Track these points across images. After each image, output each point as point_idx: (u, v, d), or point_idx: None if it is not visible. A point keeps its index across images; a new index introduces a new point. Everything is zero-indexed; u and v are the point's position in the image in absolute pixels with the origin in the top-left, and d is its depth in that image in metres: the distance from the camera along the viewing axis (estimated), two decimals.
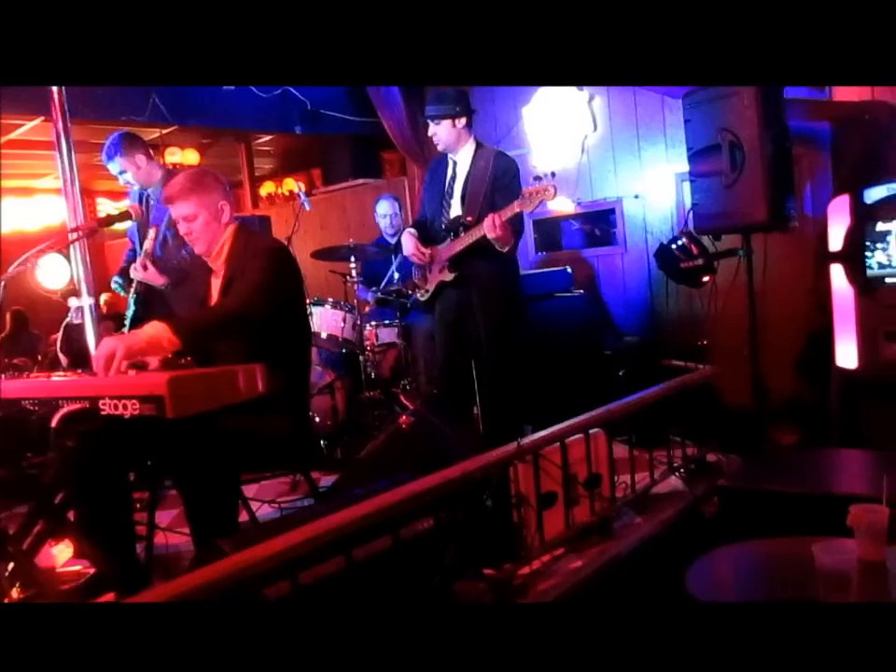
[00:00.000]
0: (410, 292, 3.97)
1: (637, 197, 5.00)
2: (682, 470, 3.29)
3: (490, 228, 3.23)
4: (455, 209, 3.56)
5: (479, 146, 3.59)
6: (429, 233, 3.66)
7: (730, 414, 3.64)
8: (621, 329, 4.98)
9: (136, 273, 3.38)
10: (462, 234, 3.46)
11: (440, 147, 3.61)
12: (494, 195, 3.42)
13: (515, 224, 3.35)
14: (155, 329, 2.22)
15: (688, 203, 3.80)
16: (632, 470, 3.04)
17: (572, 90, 5.17)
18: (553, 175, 3.18)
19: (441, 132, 3.52)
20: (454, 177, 3.60)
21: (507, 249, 3.36)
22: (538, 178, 3.19)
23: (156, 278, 3.41)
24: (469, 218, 3.44)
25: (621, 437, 3.08)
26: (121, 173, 3.59)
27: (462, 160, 3.58)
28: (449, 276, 3.55)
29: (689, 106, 3.41)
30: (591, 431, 2.79)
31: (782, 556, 2.05)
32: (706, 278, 3.61)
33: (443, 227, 3.58)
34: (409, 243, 3.61)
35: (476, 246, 3.40)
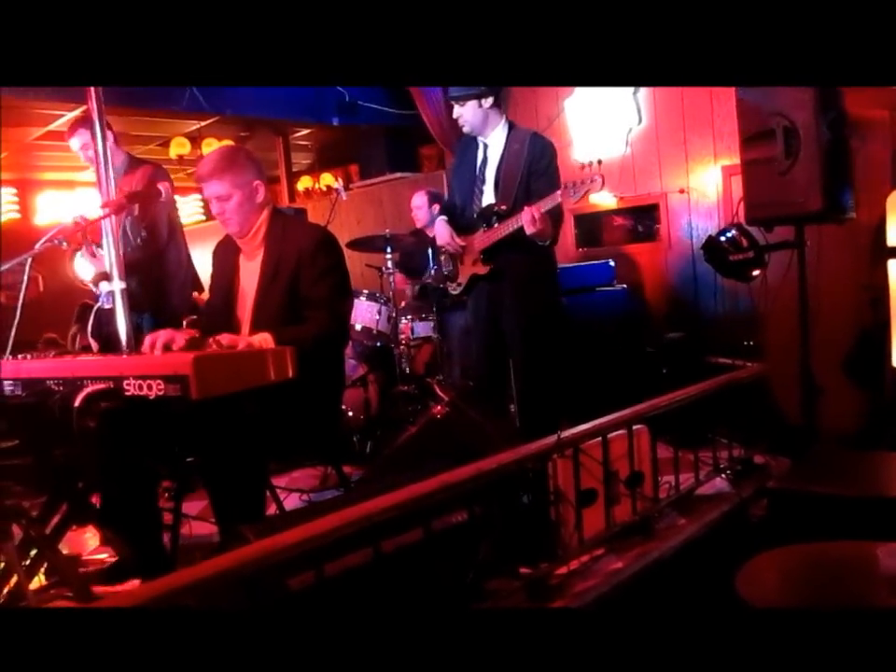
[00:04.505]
0: (441, 285, 3.75)
1: (682, 192, 4.84)
2: (729, 471, 3.15)
3: (529, 222, 3.00)
4: (488, 196, 3.34)
5: (512, 127, 3.35)
6: (460, 221, 3.45)
7: (779, 415, 3.49)
8: (664, 327, 4.83)
9: (82, 261, 3.34)
10: (496, 224, 3.25)
11: (466, 130, 3.38)
12: (529, 181, 3.21)
13: (555, 215, 3.11)
14: (262, 338, 2.29)
15: (736, 198, 3.66)
16: (676, 470, 2.91)
17: None
18: (600, 162, 2.99)
19: (466, 113, 3.29)
20: (485, 161, 3.38)
21: (548, 243, 3.18)
22: (583, 168, 2.98)
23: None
24: (502, 207, 3.23)
25: (664, 436, 2.94)
26: (84, 148, 3.49)
27: (493, 142, 3.36)
28: (483, 270, 3.34)
29: (741, 91, 3.26)
30: (634, 427, 2.67)
31: (839, 560, 1.95)
32: (755, 272, 3.45)
33: (475, 215, 3.37)
34: (444, 231, 3.42)
35: (511, 238, 3.18)
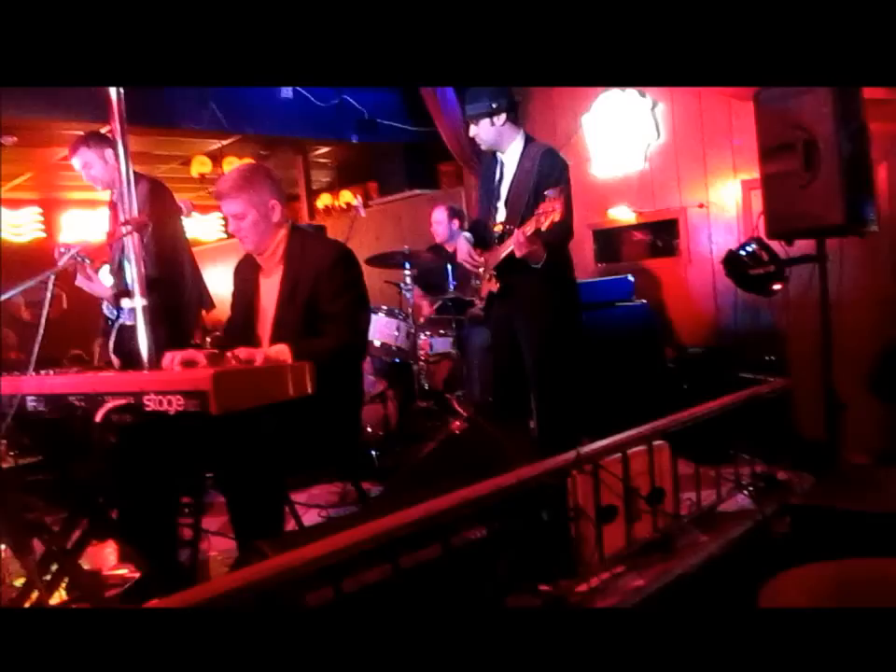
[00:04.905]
0: (470, 298, 3.79)
1: (701, 206, 4.82)
2: (751, 488, 3.11)
3: (516, 245, 3.01)
4: (502, 213, 3.35)
5: (528, 142, 3.34)
6: (482, 237, 3.45)
7: (801, 431, 3.45)
8: (684, 342, 4.80)
9: (81, 281, 3.35)
10: (497, 244, 3.27)
11: (484, 148, 3.41)
12: (537, 199, 3.13)
13: (553, 237, 3.06)
14: (279, 349, 2.31)
15: (756, 212, 3.63)
16: (697, 486, 2.89)
17: (634, 96, 5.04)
18: (560, 190, 2.94)
19: (481, 132, 3.30)
20: (501, 177, 3.39)
21: (540, 265, 3.11)
22: (544, 196, 2.97)
23: (102, 291, 3.41)
24: (509, 226, 3.23)
25: (685, 452, 2.91)
26: (85, 167, 3.49)
27: (509, 159, 3.36)
28: (495, 287, 3.35)
29: (760, 105, 3.25)
30: (654, 443, 2.65)
31: (864, 578, 1.90)
32: (776, 286, 3.42)
33: (491, 232, 3.38)
34: (463, 247, 3.41)
35: (518, 259, 3.14)
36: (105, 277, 3.50)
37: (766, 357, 3.98)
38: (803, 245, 3.37)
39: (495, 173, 3.44)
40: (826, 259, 3.28)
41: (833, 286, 3.32)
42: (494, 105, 3.24)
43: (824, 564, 1.98)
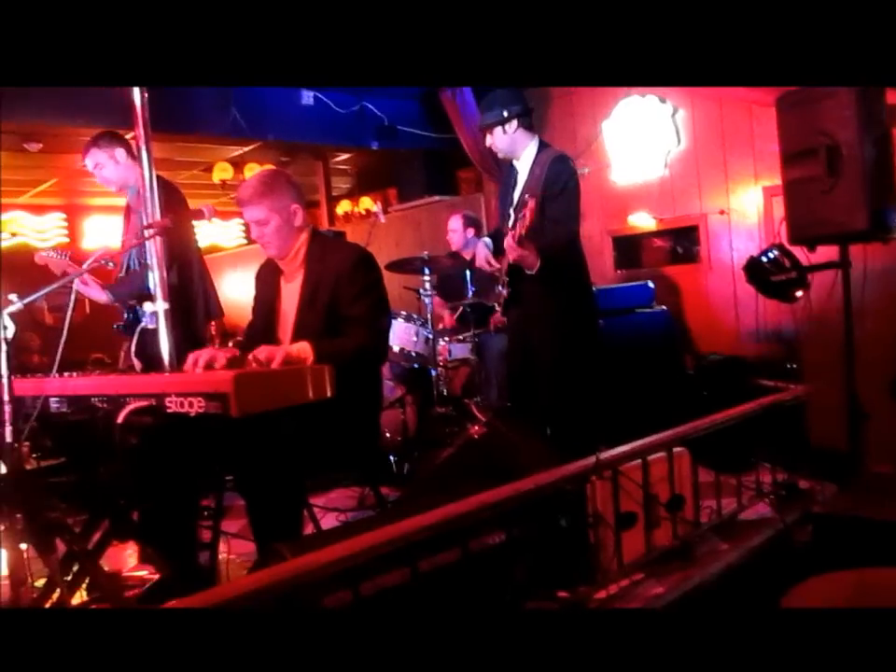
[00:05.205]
0: (491, 304, 3.81)
1: (722, 213, 4.79)
2: (772, 496, 3.08)
3: (508, 250, 3.05)
4: (512, 220, 3.34)
5: (541, 149, 3.34)
6: (500, 243, 3.44)
7: (823, 439, 3.41)
8: (704, 349, 4.76)
9: (77, 285, 3.31)
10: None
11: (500, 156, 3.47)
12: (545, 205, 3.16)
13: (546, 243, 3.09)
14: (301, 346, 2.30)
15: (778, 219, 3.60)
16: (717, 494, 2.86)
17: (655, 103, 5.03)
18: (535, 196, 2.98)
19: (495, 140, 3.34)
20: (516, 184, 3.41)
21: (534, 272, 3.11)
22: (522, 202, 3.00)
23: (98, 295, 3.42)
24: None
25: (705, 460, 2.89)
26: (97, 168, 3.48)
27: (522, 166, 3.38)
28: (504, 293, 3.38)
29: (782, 110, 3.23)
30: (674, 450, 2.63)
31: (887, 587, 1.88)
32: (798, 293, 3.39)
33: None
34: (480, 252, 3.43)
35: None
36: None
37: (788, 365, 3.94)
38: (825, 252, 3.34)
39: (510, 179, 3.47)
40: (849, 266, 3.24)
41: (856, 292, 3.29)
42: (505, 114, 3.28)
43: (846, 573, 1.96)
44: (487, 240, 3.50)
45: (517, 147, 3.35)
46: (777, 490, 3.12)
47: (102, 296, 3.44)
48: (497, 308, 3.58)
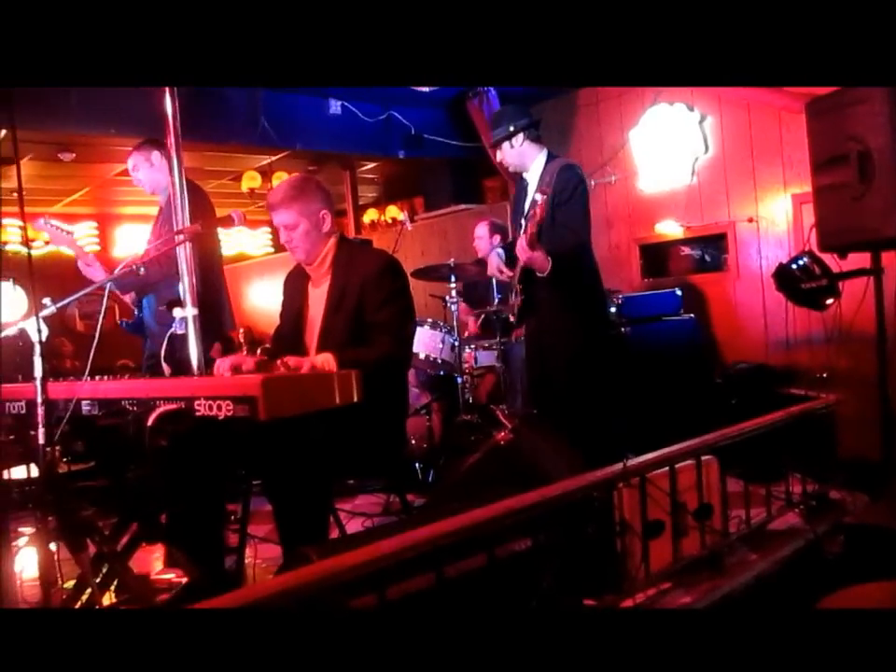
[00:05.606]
0: (506, 315, 3.89)
1: (751, 221, 4.75)
2: (802, 507, 3.04)
3: (518, 251, 3.11)
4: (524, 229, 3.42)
5: (549, 159, 3.43)
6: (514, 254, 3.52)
7: (855, 449, 3.36)
8: (732, 357, 4.72)
9: (81, 265, 3.40)
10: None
11: (511, 171, 3.57)
12: (555, 213, 3.23)
13: (555, 246, 3.14)
14: (325, 358, 2.33)
15: (807, 226, 3.57)
16: (747, 504, 2.83)
17: (682, 110, 5.00)
18: (546, 195, 3.01)
19: (505, 155, 3.45)
20: (525, 197, 3.50)
21: (544, 274, 3.16)
22: (532, 203, 3.04)
23: (96, 275, 3.41)
24: None
25: (734, 470, 2.86)
26: (134, 170, 3.58)
27: (532, 177, 3.46)
28: (518, 300, 3.45)
29: (812, 116, 3.20)
30: (703, 458, 2.61)
31: None
32: (829, 301, 3.35)
33: None
34: (493, 262, 3.52)
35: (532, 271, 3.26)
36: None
37: (819, 374, 3.89)
38: (856, 259, 3.29)
39: (522, 192, 3.55)
40: (882, 273, 3.20)
41: (889, 299, 3.24)
42: (511, 128, 3.38)
43: (879, 584, 1.93)
44: (500, 250, 3.58)
45: (526, 159, 3.44)
46: (807, 500, 3.08)
47: (100, 276, 3.41)
48: (512, 318, 3.62)
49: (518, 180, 3.68)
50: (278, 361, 2.27)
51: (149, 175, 3.57)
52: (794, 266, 3.37)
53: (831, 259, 3.35)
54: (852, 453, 3.36)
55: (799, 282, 3.35)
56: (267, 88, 5.09)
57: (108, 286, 2.46)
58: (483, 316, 4.77)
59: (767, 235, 4.70)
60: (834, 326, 3.40)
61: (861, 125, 2.96)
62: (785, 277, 3.41)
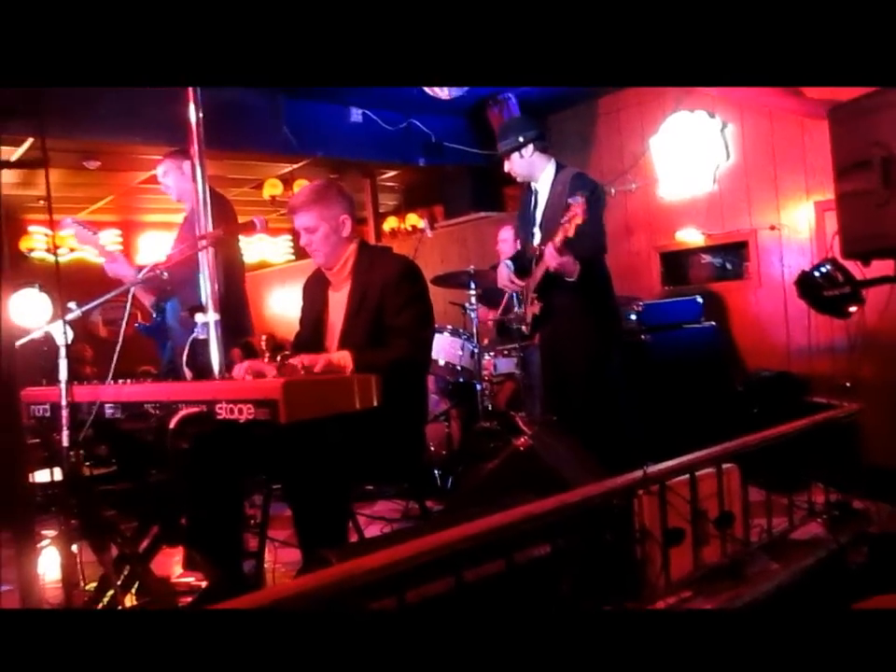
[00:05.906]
0: (517, 326, 3.90)
1: (773, 228, 4.72)
2: (825, 516, 3.00)
3: (549, 257, 3.15)
4: (537, 238, 3.49)
5: (559, 169, 3.49)
6: (523, 263, 3.62)
7: (879, 458, 3.32)
8: (754, 365, 4.68)
9: (107, 264, 3.43)
10: (534, 266, 3.42)
11: (519, 180, 3.59)
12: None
13: (584, 250, 3.19)
14: (341, 355, 2.36)
15: (830, 234, 3.54)
16: (768, 512, 2.80)
17: (703, 117, 4.99)
18: (582, 196, 3.01)
19: (514, 166, 3.49)
20: (536, 205, 3.55)
21: (574, 279, 3.23)
22: (568, 205, 3.07)
23: (125, 272, 3.45)
24: (543, 246, 3.34)
25: (756, 479, 2.83)
26: (164, 176, 3.65)
27: (542, 186, 3.51)
28: (536, 309, 3.48)
29: (835, 121, 3.17)
30: (724, 466, 2.59)
31: None
32: (852, 308, 3.31)
33: (530, 257, 3.54)
34: (503, 273, 3.57)
35: (555, 277, 3.31)
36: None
37: (842, 383, 3.85)
38: (879, 266, 3.26)
39: (530, 201, 3.60)
40: None
41: None
42: (521, 139, 3.44)
43: None
44: (508, 262, 3.64)
45: (535, 169, 3.50)
46: (830, 510, 3.04)
47: (129, 272, 3.46)
48: (525, 328, 3.64)
49: (524, 190, 3.73)
50: (294, 361, 2.28)
51: (178, 182, 3.62)
52: (817, 273, 3.34)
53: (854, 267, 3.32)
54: (876, 462, 3.32)
55: (822, 289, 3.32)
56: (288, 90, 5.12)
57: (131, 290, 2.49)
58: (500, 322, 4.77)
59: (789, 243, 4.66)
60: (857, 334, 3.38)
61: (886, 130, 2.93)
62: (808, 285, 3.38)
